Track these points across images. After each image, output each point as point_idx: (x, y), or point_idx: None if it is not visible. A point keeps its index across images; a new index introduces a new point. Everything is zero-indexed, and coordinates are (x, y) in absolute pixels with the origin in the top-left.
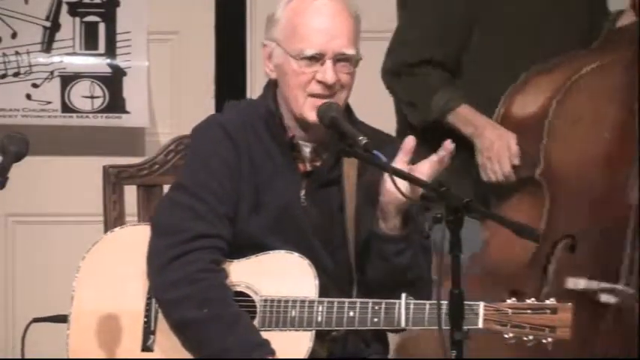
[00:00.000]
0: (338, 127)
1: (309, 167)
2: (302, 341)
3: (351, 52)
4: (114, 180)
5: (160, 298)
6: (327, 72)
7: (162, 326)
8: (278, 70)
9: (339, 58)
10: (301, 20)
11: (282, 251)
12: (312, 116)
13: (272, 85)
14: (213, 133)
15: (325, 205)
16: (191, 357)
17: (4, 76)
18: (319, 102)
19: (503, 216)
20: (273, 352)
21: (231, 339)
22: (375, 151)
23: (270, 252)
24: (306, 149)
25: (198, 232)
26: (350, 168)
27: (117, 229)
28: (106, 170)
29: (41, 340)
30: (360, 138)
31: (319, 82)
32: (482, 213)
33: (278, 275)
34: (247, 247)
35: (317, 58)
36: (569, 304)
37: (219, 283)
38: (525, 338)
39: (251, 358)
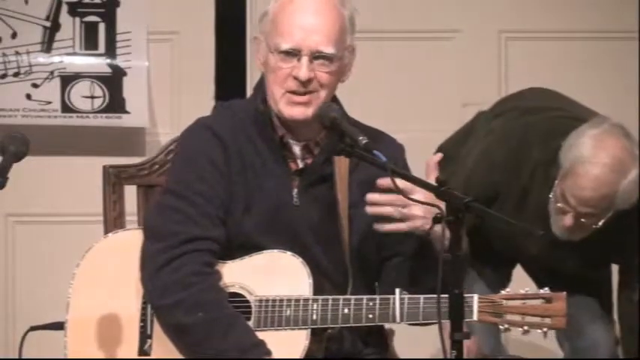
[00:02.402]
0: (338, 127)
1: (300, 165)
2: (298, 340)
3: (329, 50)
4: (114, 180)
5: (153, 303)
6: (302, 68)
7: (159, 330)
8: (264, 64)
9: (317, 56)
10: (283, 16)
11: (275, 251)
12: (288, 112)
13: (262, 85)
14: (201, 135)
15: (318, 203)
16: None
17: (4, 76)
18: (295, 98)
19: (503, 216)
20: (269, 352)
21: (226, 342)
22: (375, 151)
23: (264, 252)
24: (297, 147)
25: (189, 235)
26: (342, 164)
27: (110, 235)
28: (106, 170)
29: (39, 346)
30: (360, 138)
31: (295, 78)
32: (482, 213)
33: (272, 275)
34: (240, 247)
35: (293, 54)
36: (564, 292)
37: (211, 285)
38: (520, 329)
39: (252, 356)
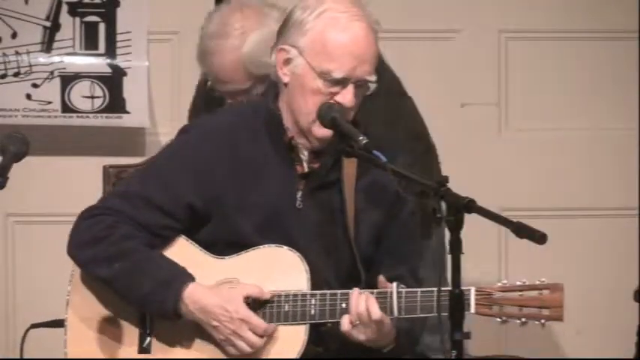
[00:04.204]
0: (338, 127)
1: (306, 168)
2: (297, 335)
3: (372, 79)
4: (114, 180)
5: (72, 256)
6: (347, 96)
7: (159, 328)
8: (294, 78)
9: (360, 84)
10: (334, 40)
11: (273, 245)
12: (321, 133)
13: (274, 86)
14: (191, 132)
15: (322, 207)
16: (189, 358)
17: (4, 76)
18: None
19: (503, 216)
20: (191, 276)
21: (147, 283)
22: (375, 151)
23: (260, 247)
24: (305, 151)
25: (111, 206)
26: (349, 170)
27: None
28: (106, 170)
29: (40, 344)
30: (360, 138)
31: (337, 103)
32: (482, 213)
33: (269, 270)
34: (235, 245)
35: (341, 81)
36: (561, 283)
37: (121, 236)
38: (518, 320)
39: (172, 291)
